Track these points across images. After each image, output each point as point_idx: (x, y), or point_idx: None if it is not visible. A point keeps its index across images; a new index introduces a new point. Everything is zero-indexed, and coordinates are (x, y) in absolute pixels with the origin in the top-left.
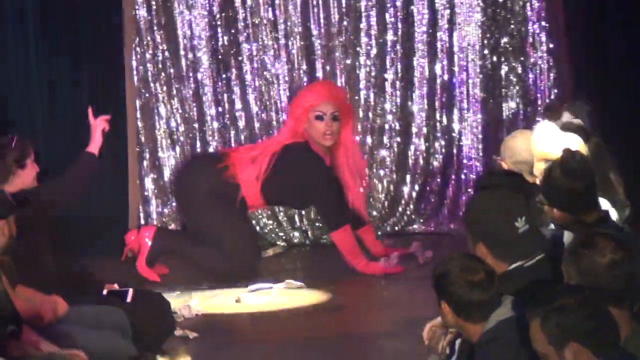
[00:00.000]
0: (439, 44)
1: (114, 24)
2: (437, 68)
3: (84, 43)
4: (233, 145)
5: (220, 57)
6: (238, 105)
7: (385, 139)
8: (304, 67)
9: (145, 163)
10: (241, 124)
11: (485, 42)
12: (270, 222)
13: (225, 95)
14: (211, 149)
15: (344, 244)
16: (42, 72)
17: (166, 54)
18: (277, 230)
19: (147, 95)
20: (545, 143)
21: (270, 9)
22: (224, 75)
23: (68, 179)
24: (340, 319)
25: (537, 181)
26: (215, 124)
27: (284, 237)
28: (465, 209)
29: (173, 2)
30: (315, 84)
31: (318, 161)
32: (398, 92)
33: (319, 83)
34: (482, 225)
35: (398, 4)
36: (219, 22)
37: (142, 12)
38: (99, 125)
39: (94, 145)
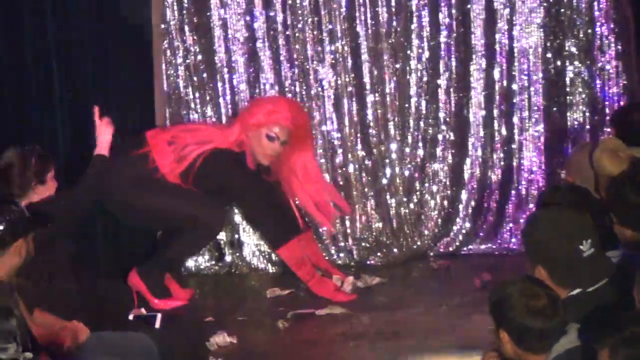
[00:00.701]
0: (497, 47)
1: (141, 25)
2: (496, 73)
3: (108, 47)
4: None
5: (258, 60)
6: None
7: (439, 151)
8: (350, 71)
9: None
10: None
11: (549, 44)
12: None
13: None
14: None
15: (291, 259)
16: (67, 80)
17: (199, 57)
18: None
19: (177, 102)
20: (610, 159)
21: (313, 8)
22: (262, 81)
23: (80, 188)
24: (389, 348)
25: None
26: None
27: (326, 258)
28: (524, 228)
29: (206, 0)
30: (281, 104)
31: (252, 177)
32: (452, 100)
33: (284, 104)
34: (543, 248)
35: (452, 2)
36: (257, 23)
37: (171, 12)
38: (104, 131)
39: (102, 147)
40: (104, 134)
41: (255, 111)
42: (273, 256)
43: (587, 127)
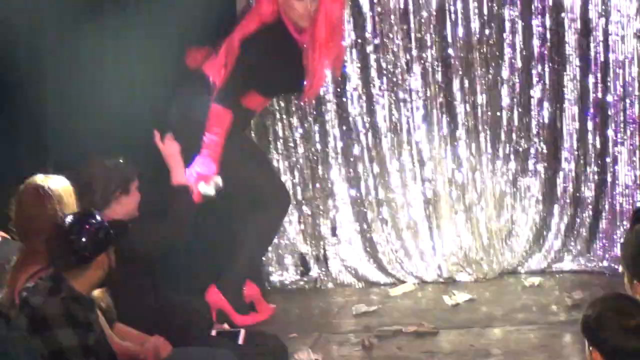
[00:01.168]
0: (592, 56)
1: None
2: (590, 84)
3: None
4: (360, 172)
5: (344, 70)
6: (365, 123)
7: (531, 164)
8: (440, 81)
9: None
10: (368, 143)
11: None
12: (400, 255)
13: (351, 112)
14: (334, 171)
15: (216, 119)
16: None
17: None
18: (407, 265)
19: (261, 112)
20: None
21: (401, 14)
22: (348, 89)
23: (167, 224)
24: None
25: None
26: (340, 144)
27: (414, 274)
28: (624, 242)
29: None
30: None
31: (285, 53)
32: (545, 111)
33: None
34: None
35: (546, 11)
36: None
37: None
38: (169, 149)
39: (177, 174)
40: (173, 157)
41: None
42: (359, 271)
43: None
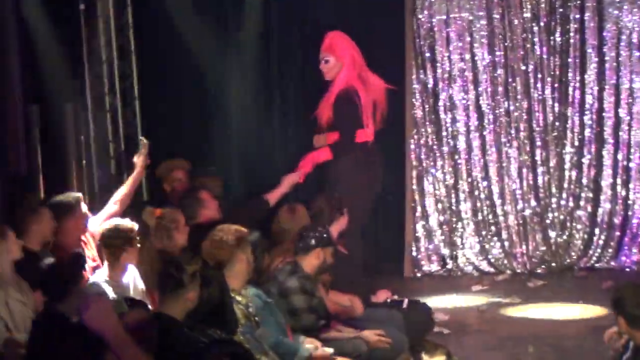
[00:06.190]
0: None
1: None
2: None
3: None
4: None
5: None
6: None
7: (582, 203)
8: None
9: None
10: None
11: None
12: (502, 257)
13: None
14: (462, 205)
15: None
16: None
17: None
18: (505, 263)
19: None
20: None
21: None
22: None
23: None
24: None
25: None
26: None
27: (509, 267)
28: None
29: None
30: None
31: None
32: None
33: None
34: None
35: None
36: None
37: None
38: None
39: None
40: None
41: None
42: (477, 265)
43: None
